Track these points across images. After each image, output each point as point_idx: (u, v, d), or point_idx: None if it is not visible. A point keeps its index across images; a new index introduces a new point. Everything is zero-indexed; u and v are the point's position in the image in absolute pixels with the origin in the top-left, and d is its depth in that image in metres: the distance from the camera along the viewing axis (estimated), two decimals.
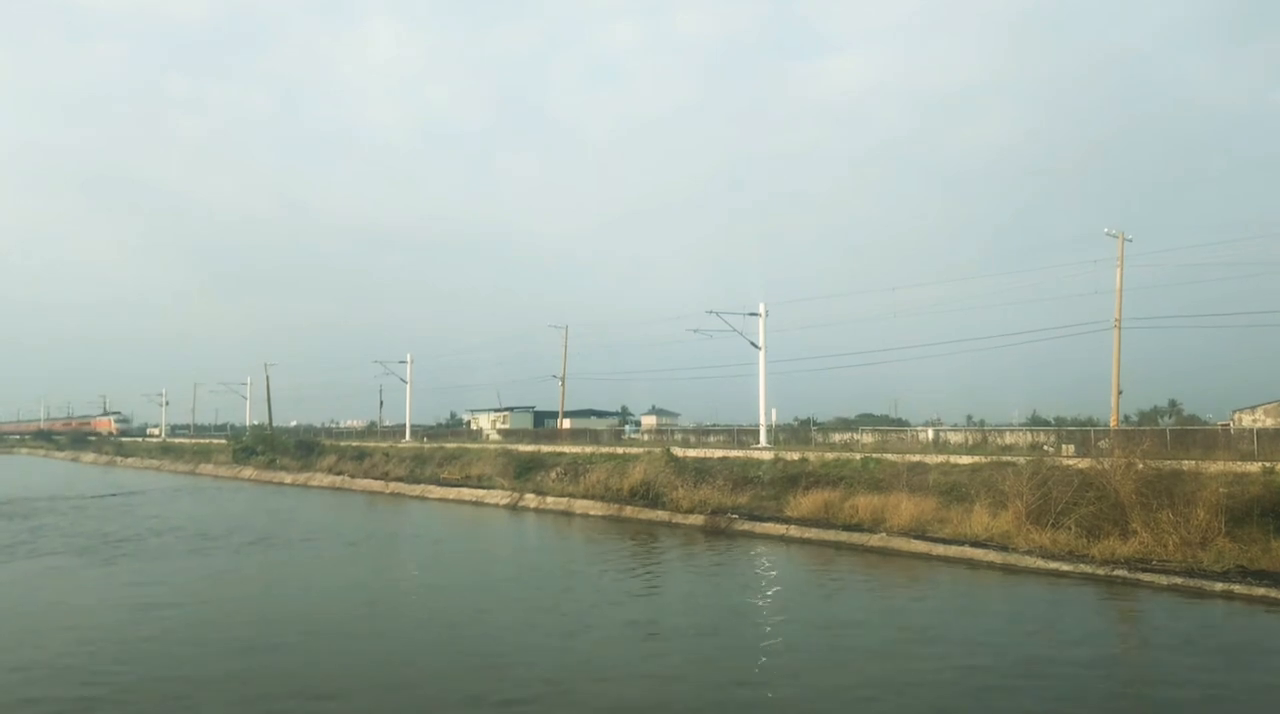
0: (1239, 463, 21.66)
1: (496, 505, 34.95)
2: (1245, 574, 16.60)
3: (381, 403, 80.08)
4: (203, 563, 21.64)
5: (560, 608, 16.31)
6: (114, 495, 42.29)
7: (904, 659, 12.58)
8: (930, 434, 39.24)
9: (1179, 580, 16.82)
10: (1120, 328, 33.29)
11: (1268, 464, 21.02)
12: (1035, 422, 47.96)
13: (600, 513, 30.34)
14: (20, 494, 42.83)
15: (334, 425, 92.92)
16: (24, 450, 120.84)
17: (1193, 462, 21.23)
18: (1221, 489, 18.90)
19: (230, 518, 32.22)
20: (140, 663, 12.44)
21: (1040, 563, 18.74)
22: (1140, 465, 20.02)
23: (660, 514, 28.32)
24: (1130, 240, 34.95)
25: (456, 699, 10.83)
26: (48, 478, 58.00)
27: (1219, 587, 16.31)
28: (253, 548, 24.24)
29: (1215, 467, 21.00)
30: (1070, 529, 19.28)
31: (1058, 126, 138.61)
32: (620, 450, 37.87)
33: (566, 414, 66.64)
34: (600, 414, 76.15)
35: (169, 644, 13.55)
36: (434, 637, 14.16)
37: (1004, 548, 19.72)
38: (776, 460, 30.74)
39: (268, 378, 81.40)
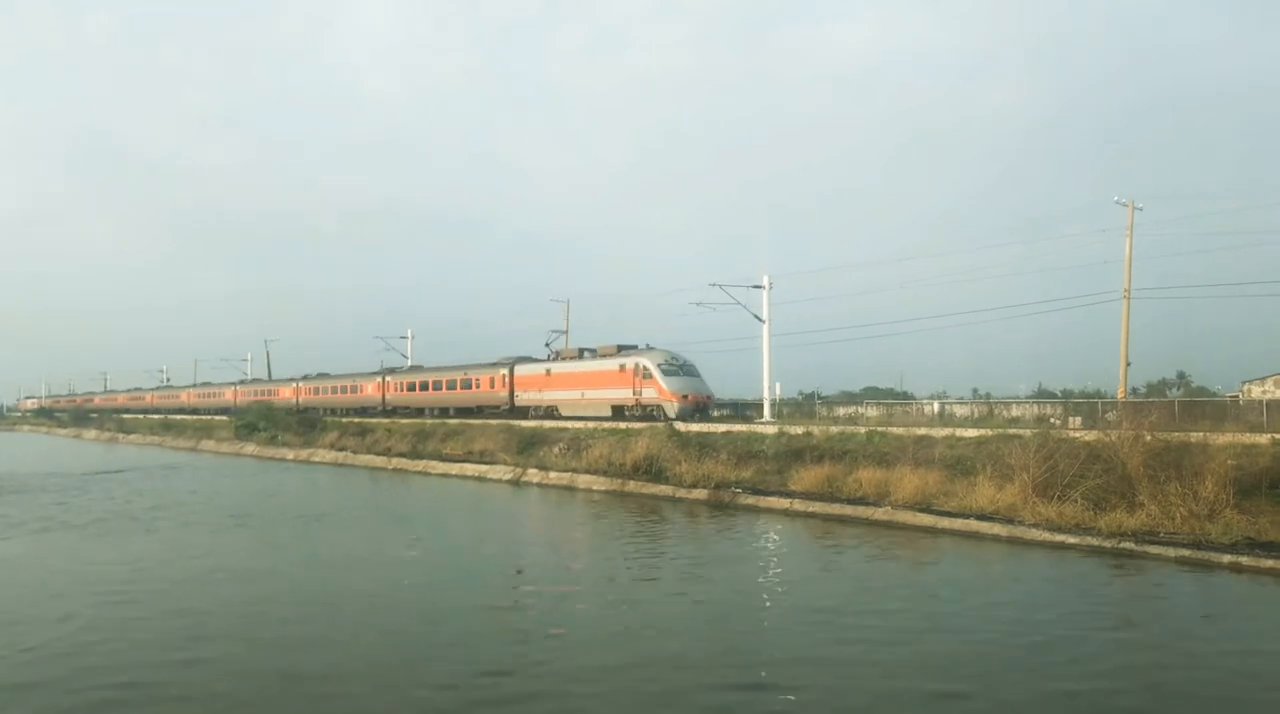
0: (1248, 435, 21.51)
1: (499, 481, 34.91)
2: (1254, 546, 16.47)
3: None
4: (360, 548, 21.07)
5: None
6: (138, 470, 42.39)
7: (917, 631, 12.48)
8: (936, 407, 39.12)
9: (1186, 553, 16.71)
10: (1129, 298, 33.06)
11: (1277, 436, 20.84)
12: (1042, 394, 47.77)
13: (603, 488, 30.29)
14: (92, 468, 43.74)
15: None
16: (26, 427, 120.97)
17: (1201, 433, 21.07)
18: (1230, 461, 18.76)
19: (298, 496, 32.30)
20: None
21: (1046, 535, 18.64)
22: (1148, 437, 19.87)
23: (664, 489, 28.25)
24: (1141, 209, 34.70)
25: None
26: (79, 454, 58.45)
27: (1226, 559, 16.20)
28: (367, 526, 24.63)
29: (1224, 438, 20.84)
30: (1077, 501, 19.14)
31: (1066, 93, 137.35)
32: (623, 425, 37.74)
33: None
34: None
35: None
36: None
37: (1010, 520, 19.62)
38: (780, 434, 30.60)
39: (268, 353, 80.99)
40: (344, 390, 67.82)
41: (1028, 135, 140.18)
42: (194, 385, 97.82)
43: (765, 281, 42.96)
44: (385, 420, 56.45)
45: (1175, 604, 14.45)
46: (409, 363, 68.70)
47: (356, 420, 58.00)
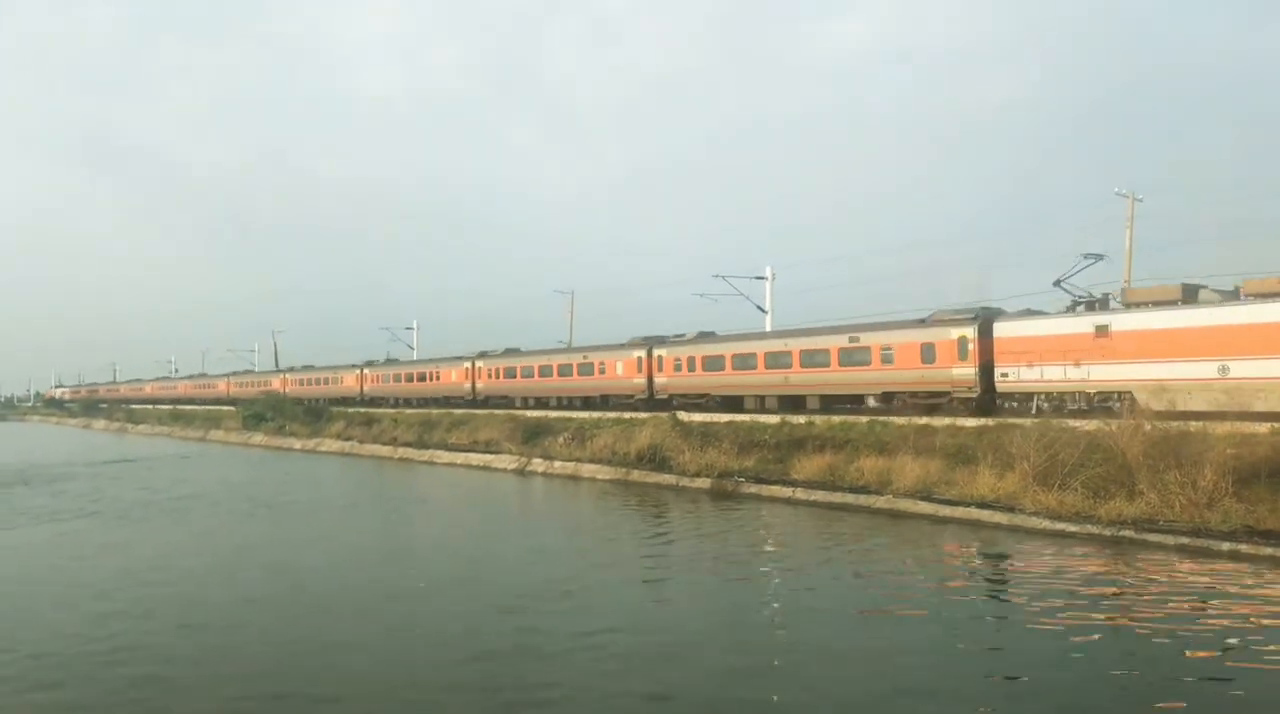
0: (1247, 424, 21.54)
1: (505, 470, 35.14)
2: (1252, 534, 16.59)
3: None
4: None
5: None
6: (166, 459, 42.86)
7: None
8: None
9: (1186, 540, 16.83)
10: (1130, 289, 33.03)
11: (1275, 425, 20.90)
12: None
13: (608, 477, 30.48)
14: (111, 457, 45.04)
15: None
16: (36, 418, 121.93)
17: (1200, 423, 21.10)
18: (1229, 450, 18.81)
19: (318, 486, 32.64)
20: None
21: (1047, 524, 18.78)
22: (1147, 427, 19.96)
23: (667, 478, 28.44)
24: (1140, 200, 34.65)
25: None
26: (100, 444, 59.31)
27: (1225, 546, 16.32)
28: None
29: (1223, 428, 20.87)
30: (1077, 490, 19.23)
31: (1062, 84, 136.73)
32: (627, 415, 37.89)
33: None
34: None
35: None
36: None
37: (1010, 509, 19.76)
38: (783, 424, 30.72)
39: (275, 345, 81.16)
40: (569, 372, 47.40)
41: (1032, 127, 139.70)
42: (289, 369, 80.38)
43: (768, 272, 43.11)
44: (391, 410, 56.22)
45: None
46: (414, 353, 68.56)
47: (362, 410, 57.73)
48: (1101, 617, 12.64)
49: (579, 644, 11.46)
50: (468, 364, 55.19)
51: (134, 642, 11.86)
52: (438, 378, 58.01)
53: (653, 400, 40.99)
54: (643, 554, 18.05)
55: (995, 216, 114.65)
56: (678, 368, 40.13)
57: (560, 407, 45.98)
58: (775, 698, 9.56)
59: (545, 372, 49.05)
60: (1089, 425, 22.07)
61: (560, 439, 36.26)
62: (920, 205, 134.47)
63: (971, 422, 26.47)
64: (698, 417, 34.73)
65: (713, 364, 38.74)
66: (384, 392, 63.93)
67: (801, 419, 31.19)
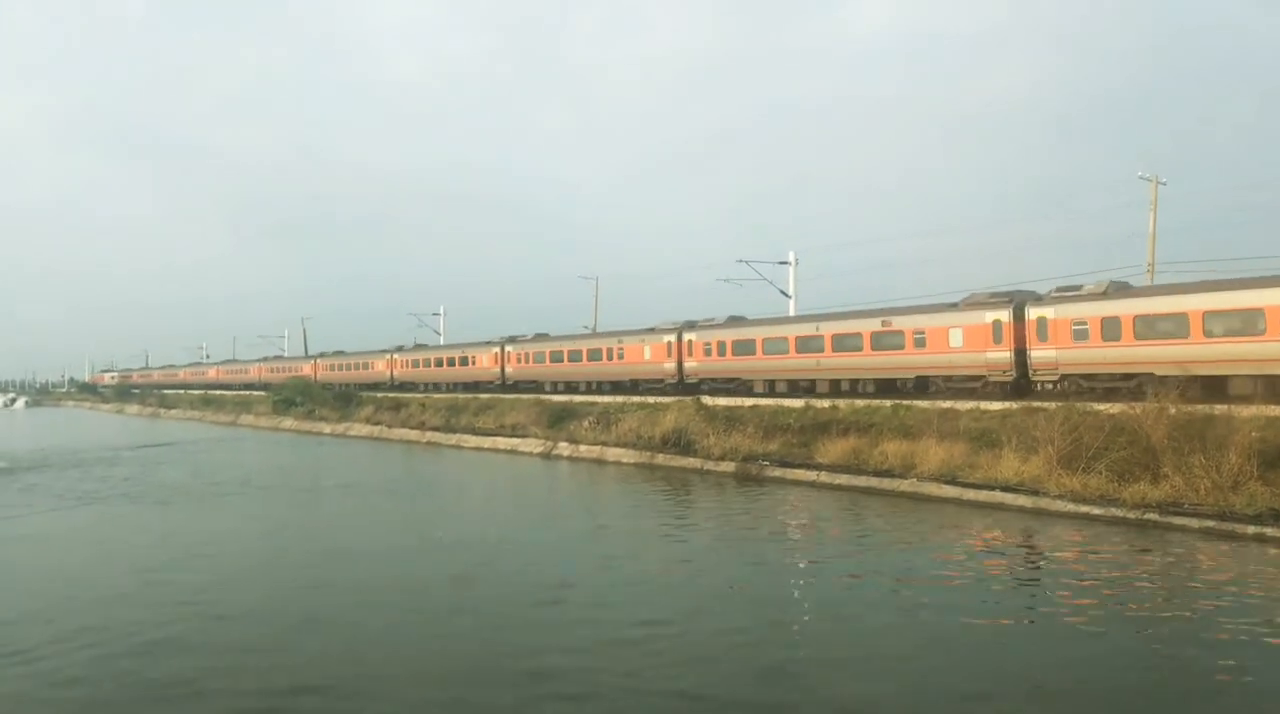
0: (1272, 406, 21.50)
1: (531, 454, 35.60)
2: (1278, 517, 16.63)
3: None
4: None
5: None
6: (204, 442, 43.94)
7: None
8: None
9: (1211, 524, 16.90)
10: (1154, 273, 32.93)
11: None
12: None
13: (632, 460, 30.81)
14: (151, 441, 46.62)
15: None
16: (70, 403, 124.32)
17: (1225, 406, 21.10)
18: (1254, 433, 18.82)
19: (356, 470, 33.08)
20: None
21: (1071, 507, 18.89)
22: (1172, 410, 19.98)
23: (692, 461, 28.73)
24: (1164, 184, 34.41)
25: None
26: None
27: (1251, 530, 16.39)
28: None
29: (1248, 411, 20.87)
30: (1101, 473, 19.30)
31: (1080, 68, 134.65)
32: (651, 400, 38.19)
33: None
34: None
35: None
36: None
37: (1035, 492, 19.87)
38: (807, 408, 30.90)
39: (305, 331, 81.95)
40: (855, 344, 34.54)
41: (1043, 111, 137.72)
42: (398, 348, 69.73)
43: (791, 258, 43.21)
44: (418, 395, 57.02)
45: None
46: (442, 338, 69.09)
47: (390, 395, 58.43)
48: (1128, 602, 12.84)
49: (616, 637, 11.58)
50: (669, 338, 43.14)
51: (170, 631, 12.14)
52: (621, 356, 46.07)
53: (1024, 383, 29.06)
54: (673, 540, 18.38)
55: (1014, 203, 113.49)
56: (1080, 336, 27.47)
57: (836, 394, 33.85)
58: (804, 692, 9.67)
59: (807, 345, 36.08)
60: (1113, 408, 22.12)
61: (585, 423, 36.65)
62: (935, 193, 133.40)
63: (997, 405, 26.52)
64: (722, 400, 34.92)
65: (1153, 328, 25.84)
66: (536, 374, 52.66)
67: (825, 403, 31.32)
